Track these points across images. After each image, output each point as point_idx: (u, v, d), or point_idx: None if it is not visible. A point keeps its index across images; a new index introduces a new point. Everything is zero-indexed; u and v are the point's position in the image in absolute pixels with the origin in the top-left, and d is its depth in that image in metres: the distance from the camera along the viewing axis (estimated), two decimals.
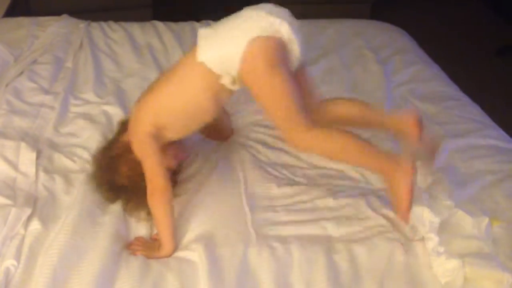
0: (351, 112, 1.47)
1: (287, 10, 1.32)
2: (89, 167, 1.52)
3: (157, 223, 1.34)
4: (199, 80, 1.32)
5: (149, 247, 1.33)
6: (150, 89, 1.45)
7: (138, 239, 1.36)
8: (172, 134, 1.42)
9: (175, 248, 1.32)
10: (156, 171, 1.32)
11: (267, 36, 1.24)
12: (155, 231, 1.38)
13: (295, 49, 1.29)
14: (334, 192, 1.50)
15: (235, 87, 1.34)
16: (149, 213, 1.38)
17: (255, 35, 1.24)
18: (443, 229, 1.33)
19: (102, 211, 1.41)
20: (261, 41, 1.24)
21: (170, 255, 1.31)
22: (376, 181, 1.53)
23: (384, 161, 1.32)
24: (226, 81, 1.30)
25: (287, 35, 1.27)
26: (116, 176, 1.40)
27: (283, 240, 1.34)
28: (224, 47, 1.27)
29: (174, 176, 1.46)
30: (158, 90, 1.40)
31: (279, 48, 1.26)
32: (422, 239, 1.33)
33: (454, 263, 1.24)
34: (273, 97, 1.26)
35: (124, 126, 1.48)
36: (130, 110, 1.59)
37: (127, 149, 1.39)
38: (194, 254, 1.29)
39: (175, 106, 1.38)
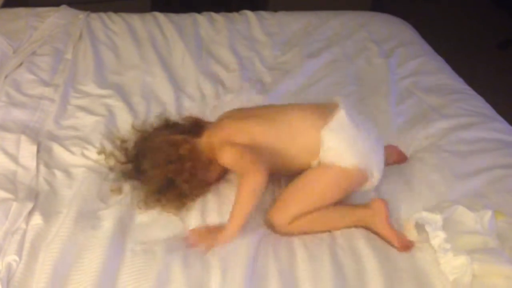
0: None
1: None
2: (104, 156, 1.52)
3: (238, 204, 1.31)
4: (307, 149, 1.41)
5: (206, 236, 1.31)
6: (258, 114, 1.49)
7: (193, 231, 1.34)
8: None
9: (236, 235, 1.30)
10: (259, 161, 1.35)
11: (361, 172, 1.40)
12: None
13: (373, 181, 1.43)
14: None
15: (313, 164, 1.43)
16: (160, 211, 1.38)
17: (356, 163, 1.39)
18: (446, 227, 1.31)
19: (104, 204, 1.39)
20: (356, 171, 1.39)
21: (230, 240, 1.29)
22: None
23: (359, 214, 1.39)
24: (314, 163, 1.41)
25: (373, 175, 1.42)
26: (175, 174, 1.39)
27: (287, 238, 1.35)
28: (340, 150, 1.40)
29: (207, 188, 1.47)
30: (270, 126, 1.45)
31: (357, 182, 1.43)
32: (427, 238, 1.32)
33: (462, 259, 1.23)
34: (311, 193, 1.40)
35: (199, 128, 1.50)
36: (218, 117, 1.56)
37: (199, 153, 1.43)
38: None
39: (274, 148, 1.42)
